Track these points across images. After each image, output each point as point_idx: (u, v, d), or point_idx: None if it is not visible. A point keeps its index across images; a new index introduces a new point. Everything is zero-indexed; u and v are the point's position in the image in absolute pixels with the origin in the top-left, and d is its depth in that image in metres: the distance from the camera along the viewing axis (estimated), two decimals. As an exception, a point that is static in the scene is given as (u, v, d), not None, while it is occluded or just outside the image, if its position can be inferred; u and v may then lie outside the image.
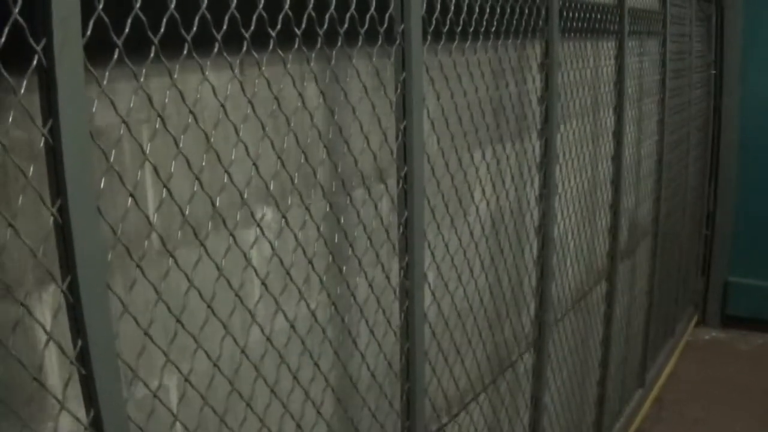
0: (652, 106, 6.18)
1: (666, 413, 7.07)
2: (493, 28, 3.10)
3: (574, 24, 4.07)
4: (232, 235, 1.98)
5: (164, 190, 1.74)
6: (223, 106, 1.81)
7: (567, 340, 4.81)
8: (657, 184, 6.43)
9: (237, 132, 1.92)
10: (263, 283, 2.16)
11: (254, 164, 2.00)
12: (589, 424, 5.54)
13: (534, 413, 4.14)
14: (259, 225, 2.11)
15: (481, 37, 3.02)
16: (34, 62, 1.35)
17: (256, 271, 2.22)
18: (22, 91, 1.38)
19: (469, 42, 2.92)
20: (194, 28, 1.67)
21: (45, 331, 1.46)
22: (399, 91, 2.35)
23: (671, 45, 6.32)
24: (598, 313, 5.42)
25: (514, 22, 3.30)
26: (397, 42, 2.33)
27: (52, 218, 1.41)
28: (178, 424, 2.01)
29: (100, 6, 1.46)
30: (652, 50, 6.11)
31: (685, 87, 7.29)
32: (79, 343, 1.47)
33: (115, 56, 1.52)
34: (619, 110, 5.00)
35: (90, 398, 1.52)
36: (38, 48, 1.34)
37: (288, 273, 2.25)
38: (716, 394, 7.36)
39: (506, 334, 4.00)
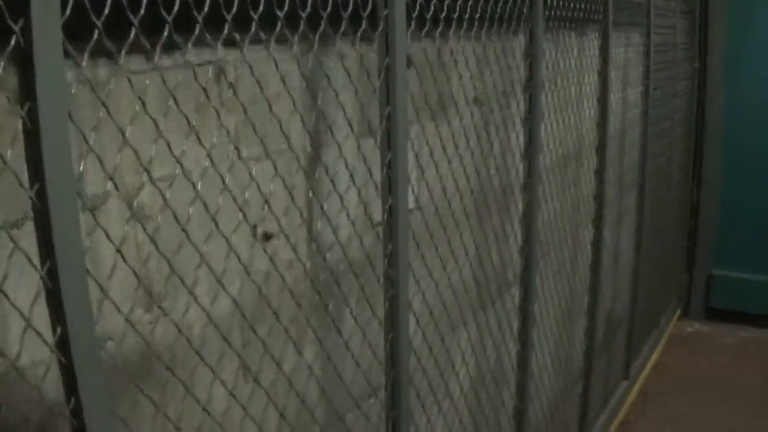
0: (635, 97, 6.17)
1: (650, 405, 7.07)
2: (478, 15, 3.08)
3: (559, 13, 4.06)
4: None
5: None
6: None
7: (552, 331, 4.80)
8: (641, 176, 6.42)
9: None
10: None
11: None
12: (574, 415, 5.54)
13: (519, 404, 4.13)
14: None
15: (465, 24, 3.01)
16: (12, 43, 1.32)
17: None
18: (-1, 71, 1.36)
19: (453, 29, 2.91)
20: (175, 9, 1.65)
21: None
22: (382, 77, 2.33)
23: (655, 37, 6.31)
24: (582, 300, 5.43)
25: (498, 9, 3.28)
26: (381, 28, 2.31)
27: (30, 202, 1.39)
28: None
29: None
30: (636, 41, 6.10)
31: (669, 79, 7.29)
32: (59, 330, 1.45)
33: (95, 37, 1.49)
34: (603, 101, 4.99)
35: (70, 387, 1.49)
36: (16, 28, 1.31)
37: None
38: (700, 388, 7.36)
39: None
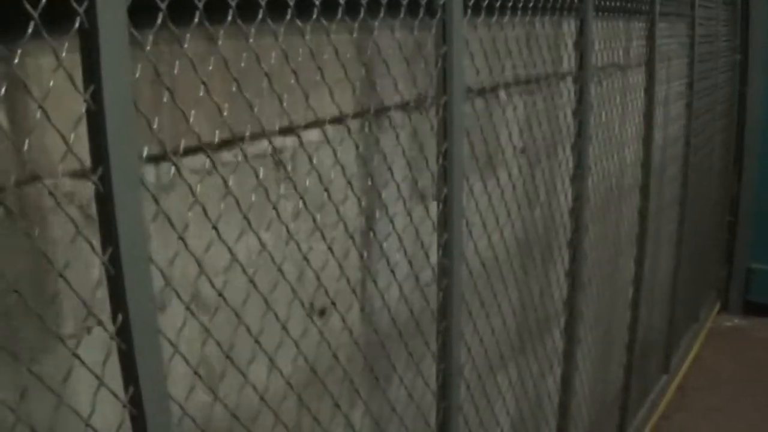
0: (680, 88, 6.12)
1: (688, 401, 7.02)
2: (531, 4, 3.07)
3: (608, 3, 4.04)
4: None
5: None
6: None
7: (593, 327, 4.77)
8: (684, 168, 6.37)
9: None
10: None
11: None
12: (614, 408, 5.51)
13: (563, 397, 4.11)
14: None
15: (519, 12, 2.99)
16: (76, 24, 1.29)
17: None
18: (64, 53, 1.33)
19: (507, 17, 2.89)
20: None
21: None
22: (440, 64, 2.31)
23: (699, 28, 6.26)
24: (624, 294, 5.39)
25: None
26: (438, 15, 2.28)
27: (93, 187, 1.36)
28: None
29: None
30: (681, 33, 6.05)
31: (713, 71, 7.22)
32: (120, 317, 1.42)
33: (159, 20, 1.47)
34: (649, 91, 4.95)
35: (129, 375, 1.47)
36: (80, 9, 1.28)
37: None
38: (737, 383, 7.29)
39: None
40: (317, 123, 2.13)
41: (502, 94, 3.23)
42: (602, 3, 3.91)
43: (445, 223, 2.44)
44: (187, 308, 1.65)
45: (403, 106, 2.53)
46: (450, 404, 2.61)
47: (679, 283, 6.75)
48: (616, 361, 5.45)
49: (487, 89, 3.02)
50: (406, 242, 2.56)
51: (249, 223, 1.80)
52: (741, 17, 8.49)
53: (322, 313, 2.36)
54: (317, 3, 1.86)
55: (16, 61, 1.29)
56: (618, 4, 4.23)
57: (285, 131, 2.03)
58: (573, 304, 3.95)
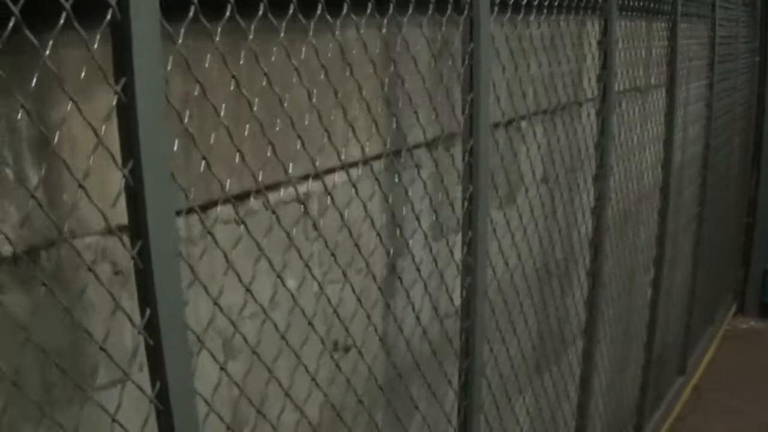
0: (700, 90, 6.09)
1: (703, 402, 6.99)
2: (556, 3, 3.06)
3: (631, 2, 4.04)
4: None
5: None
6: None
7: (612, 327, 4.76)
8: (703, 170, 6.34)
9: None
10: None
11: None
12: (632, 408, 5.50)
13: (582, 397, 4.10)
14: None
15: (545, 11, 2.98)
16: (108, 17, 1.28)
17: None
18: (95, 46, 1.32)
19: (533, 15, 2.88)
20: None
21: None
22: (467, 62, 2.30)
23: (719, 29, 6.24)
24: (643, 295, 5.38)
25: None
26: (465, 12, 2.27)
27: (123, 181, 1.35)
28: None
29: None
30: (701, 34, 6.02)
31: (732, 72, 7.19)
32: (148, 311, 1.42)
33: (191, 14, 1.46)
34: (671, 91, 4.93)
35: (156, 370, 1.46)
36: (112, 2, 1.27)
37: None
38: (753, 385, 7.27)
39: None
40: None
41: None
42: (625, 2, 3.90)
43: (469, 222, 2.43)
44: (215, 303, 1.64)
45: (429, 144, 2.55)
46: (472, 403, 2.60)
47: (696, 284, 6.72)
48: (634, 361, 5.44)
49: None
50: (430, 239, 2.55)
51: (278, 218, 1.79)
52: (761, 19, 8.45)
53: (347, 350, 2.38)
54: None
55: (48, 52, 1.27)
56: (640, 3, 4.23)
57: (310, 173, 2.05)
58: (593, 303, 3.94)
